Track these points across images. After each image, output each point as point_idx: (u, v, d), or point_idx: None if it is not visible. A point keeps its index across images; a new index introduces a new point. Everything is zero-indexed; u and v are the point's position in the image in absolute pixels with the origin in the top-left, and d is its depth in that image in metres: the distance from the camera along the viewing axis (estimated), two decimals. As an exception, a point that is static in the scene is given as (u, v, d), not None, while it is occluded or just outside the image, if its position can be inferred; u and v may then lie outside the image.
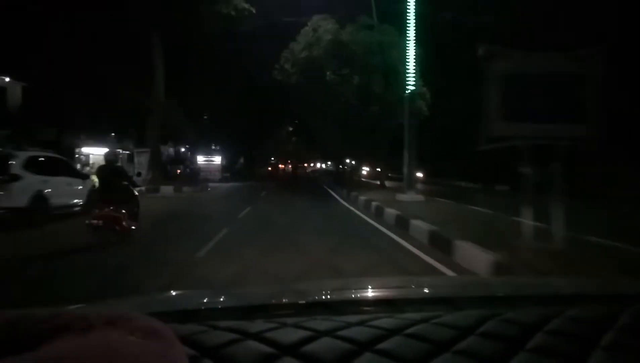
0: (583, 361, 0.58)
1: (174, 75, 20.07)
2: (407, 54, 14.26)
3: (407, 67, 13.55)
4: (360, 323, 0.70)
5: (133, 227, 6.93)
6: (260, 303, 1.04)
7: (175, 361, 0.36)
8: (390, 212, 10.52)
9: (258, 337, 0.63)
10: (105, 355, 0.31)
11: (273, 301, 1.10)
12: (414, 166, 13.87)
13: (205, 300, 1.16)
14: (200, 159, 31.28)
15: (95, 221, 6.34)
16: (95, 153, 17.55)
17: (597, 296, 1.07)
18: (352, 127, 18.26)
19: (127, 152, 18.99)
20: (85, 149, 17.58)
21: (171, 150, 37.04)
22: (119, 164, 8.50)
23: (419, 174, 24.88)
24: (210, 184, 26.14)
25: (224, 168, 35.52)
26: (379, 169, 22.67)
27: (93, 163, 17.46)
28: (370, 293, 1.24)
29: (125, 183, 7.10)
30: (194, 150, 33.37)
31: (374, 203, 12.53)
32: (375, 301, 1.08)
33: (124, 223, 6.58)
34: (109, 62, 17.57)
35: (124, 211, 6.64)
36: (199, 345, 0.60)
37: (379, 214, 11.39)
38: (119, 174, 7.07)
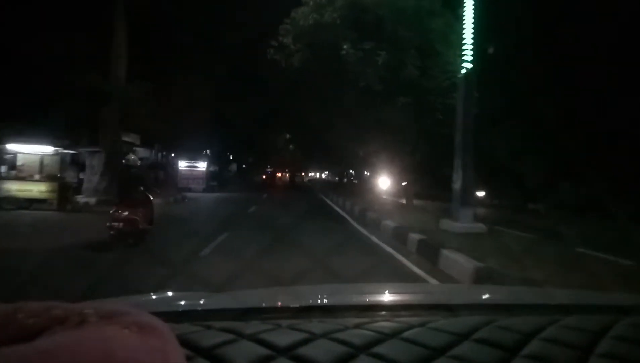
0: None
1: (141, 56, 15.71)
2: (456, 24, 10.04)
3: (462, 35, 9.19)
4: (357, 327, 0.71)
5: (147, 228, 7.20)
6: (255, 305, 1.01)
7: (170, 356, 0.35)
8: (457, 259, 6.11)
9: (253, 338, 0.63)
10: (100, 349, 0.31)
11: (269, 303, 1.08)
12: (471, 180, 9.43)
13: (200, 301, 1.14)
14: (182, 164, 26.81)
15: (116, 224, 6.67)
16: (28, 151, 13.06)
17: (592, 307, 1.06)
18: (371, 125, 13.76)
19: (72, 151, 14.47)
20: (12, 147, 13.05)
21: (153, 154, 32.48)
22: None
23: (480, 193, 18.87)
24: (191, 194, 21.77)
25: (211, 175, 31.17)
26: (404, 183, 17.76)
27: (23, 164, 12.99)
28: (366, 297, 1.21)
29: (142, 188, 7.61)
30: (178, 154, 28.86)
31: (414, 236, 8.11)
32: (371, 306, 1.05)
33: (140, 226, 6.89)
34: (50, 30, 13.23)
35: (140, 214, 6.91)
36: (194, 344, 0.59)
37: (430, 256, 6.98)
38: (137, 180, 7.91)
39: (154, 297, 1.36)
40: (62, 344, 0.30)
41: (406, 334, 0.67)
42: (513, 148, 14.07)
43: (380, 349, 0.61)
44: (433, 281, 5.72)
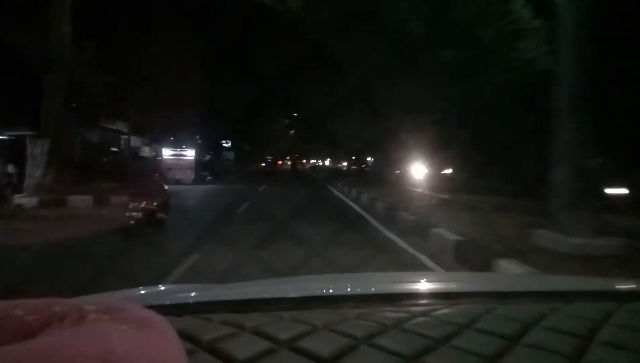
0: (578, 357, 0.58)
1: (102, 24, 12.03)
2: None
3: None
4: (358, 317, 0.71)
5: (164, 218, 7.33)
6: (257, 297, 0.99)
7: (170, 352, 0.35)
8: None
9: (254, 330, 0.63)
10: (99, 346, 0.31)
11: (270, 294, 1.04)
12: (578, 163, 5.78)
13: (201, 294, 1.10)
14: (166, 153, 23.20)
15: (135, 214, 6.84)
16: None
17: (592, 294, 1.04)
18: (400, 94, 9.97)
19: (4, 138, 10.92)
20: None
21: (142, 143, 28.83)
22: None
23: (619, 191, 10.01)
24: (177, 187, 18.25)
25: (202, 165, 27.66)
26: (447, 172, 13.73)
27: None
28: (367, 287, 1.18)
29: (158, 177, 7.69)
30: (168, 143, 25.13)
31: (507, 264, 4.60)
32: (372, 296, 1.02)
33: (157, 215, 7.06)
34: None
35: (156, 204, 7.03)
36: (195, 338, 0.59)
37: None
38: (153, 170, 7.90)
39: (155, 290, 1.29)
40: (60, 342, 0.30)
41: (407, 324, 0.68)
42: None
43: (381, 340, 0.61)
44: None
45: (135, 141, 28.03)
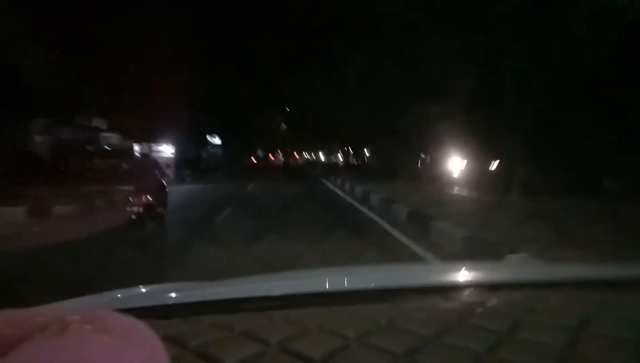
0: (572, 347, 0.58)
1: None
2: None
3: None
4: (350, 316, 0.71)
5: (163, 212, 7.62)
6: (247, 295, 0.96)
7: (153, 361, 0.35)
8: None
9: (245, 332, 0.63)
10: (79, 358, 0.30)
11: (261, 292, 1.00)
12: None
13: (189, 293, 1.08)
14: (139, 150, 20.28)
15: (135, 208, 7.11)
16: None
17: (587, 282, 1.00)
18: (444, 52, 7.06)
19: None
20: None
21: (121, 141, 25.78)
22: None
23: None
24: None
25: (185, 162, 24.91)
26: (492, 166, 10.12)
27: None
28: (359, 282, 1.12)
29: (157, 173, 7.67)
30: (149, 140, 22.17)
31: None
32: (365, 291, 0.99)
33: (157, 210, 7.35)
34: None
35: (155, 199, 7.26)
36: (183, 343, 0.58)
37: None
38: (153, 167, 7.70)
39: (142, 290, 1.22)
40: (39, 355, 0.30)
41: (399, 321, 0.68)
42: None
43: (374, 339, 0.61)
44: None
45: (118, 139, 25.57)
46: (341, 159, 46.11)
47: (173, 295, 1.06)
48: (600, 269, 1.19)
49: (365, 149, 31.14)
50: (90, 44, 15.37)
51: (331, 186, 18.47)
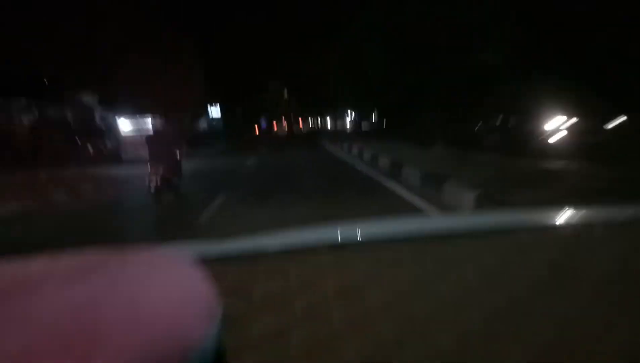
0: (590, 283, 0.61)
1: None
2: None
3: None
4: (362, 260, 0.77)
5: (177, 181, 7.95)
6: (263, 250, 0.95)
7: (203, 288, 0.34)
8: None
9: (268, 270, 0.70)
10: (126, 292, 0.30)
11: (278, 247, 0.97)
12: None
13: (220, 246, 1.02)
14: (124, 124, 17.86)
15: (154, 180, 7.41)
16: None
17: (593, 224, 1.04)
18: None
19: None
20: None
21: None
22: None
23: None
24: (128, 170, 13.28)
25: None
26: (613, 123, 7.26)
27: None
28: (368, 235, 1.10)
29: (172, 146, 7.91)
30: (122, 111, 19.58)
31: None
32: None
33: (172, 179, 7.72)
34: None
35: (171, 169, 7.62)
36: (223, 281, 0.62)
37: None
38: (170, 139, 7.91)
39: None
40: (89, 290, 0.29)
41: (404, 263, 0.74)
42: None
43: (381, 278, 0.66)
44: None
45: (110, 116, 23.19)
46: (349, 126, 43.43)
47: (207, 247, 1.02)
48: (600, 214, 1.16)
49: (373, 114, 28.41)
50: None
51: (358, 168, 15.95)
